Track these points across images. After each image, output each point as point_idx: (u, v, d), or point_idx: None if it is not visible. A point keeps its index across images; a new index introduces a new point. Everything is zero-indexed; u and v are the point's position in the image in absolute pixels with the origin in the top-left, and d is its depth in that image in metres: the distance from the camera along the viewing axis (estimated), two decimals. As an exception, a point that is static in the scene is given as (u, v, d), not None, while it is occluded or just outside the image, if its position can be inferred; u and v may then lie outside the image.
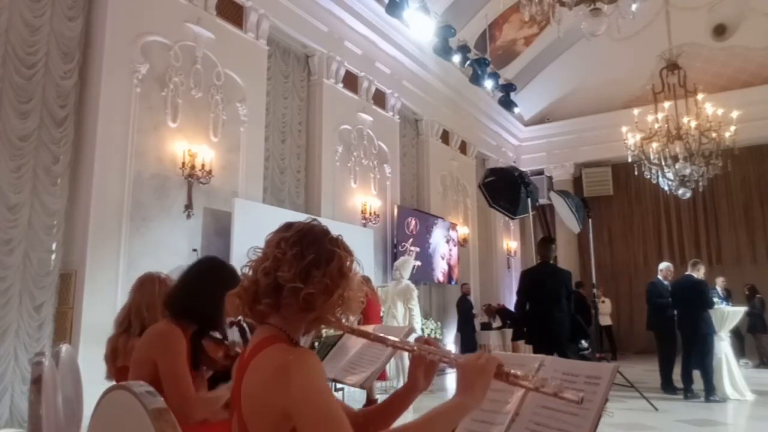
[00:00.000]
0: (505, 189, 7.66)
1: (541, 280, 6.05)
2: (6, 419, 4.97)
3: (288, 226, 1.44)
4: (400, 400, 1.56)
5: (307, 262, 1.35)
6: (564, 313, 5.97)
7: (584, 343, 7.89)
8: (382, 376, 6.60)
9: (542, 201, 12.83)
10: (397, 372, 7.22)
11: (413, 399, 1.57)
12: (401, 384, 7.59)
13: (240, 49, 7.34)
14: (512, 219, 9.70)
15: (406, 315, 7.53)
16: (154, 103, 6.27)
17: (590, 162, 14.82)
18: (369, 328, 2.47)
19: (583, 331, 6.74)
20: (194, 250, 6.33)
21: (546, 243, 6.44)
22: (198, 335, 2.24)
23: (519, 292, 6.38)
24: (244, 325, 2.72)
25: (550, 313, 5.89)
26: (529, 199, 7.47)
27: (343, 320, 1.43)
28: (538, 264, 6.30)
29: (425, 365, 1.52)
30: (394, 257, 9.81)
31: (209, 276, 2.27)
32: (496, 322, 11.75)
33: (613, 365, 1.54)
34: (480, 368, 1.37)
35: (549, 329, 5.87)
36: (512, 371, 1.38)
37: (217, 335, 2.37)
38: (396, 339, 1.55)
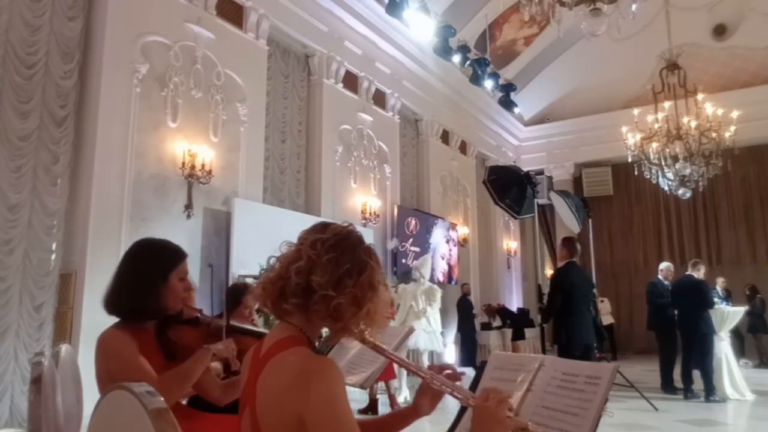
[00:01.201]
0: (511, 187, 7.63)
1: (576, 282, 5.99)
2: (6, 419, 4.97)
3: (324, 227, 1.41)
4: (399, 420, 1.55)
5: (342, 271, 1.33)
6: (591, 314, 6.05)
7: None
8: (391, 374, 6.44)
9: (542, 201, 12.82)
10: (398, 375, 7.19)
11: (412, 422, 1.55)
12: (402, 388, 7.42)
13: (240, 49, 7.34)
14: (515, 218, 9.65)
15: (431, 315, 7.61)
16: (154, 103, 6.27)
17: (590, 162, 14.82)
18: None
19: (601, 332, 6.74)
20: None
21: (574, 242, 6.37)
22: (161, 328, 2.11)
23: (556, 293, 6.06)
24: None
25: (584, 314, 5.89)
26: (535, 200, 7.44)
27: (366, 333, 1.41)
28: (569, 264, 6.14)
29: (433, 393, 1.50)
30: (395, 257, 9.82)
31: (132, 267, 2.11)
32: (496, 322, 11.75)
33: (613, 365, 1.54)
34: (499, 420, 1.31)
35: (580, 331, 5.84)
36: (529, 427, 1.34)
37: (195, 314, 2.21)
38: (413, 363, 1.54)
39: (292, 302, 1.34)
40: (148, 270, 2.08)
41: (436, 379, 1.44)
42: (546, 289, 6.39)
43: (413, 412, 1.52)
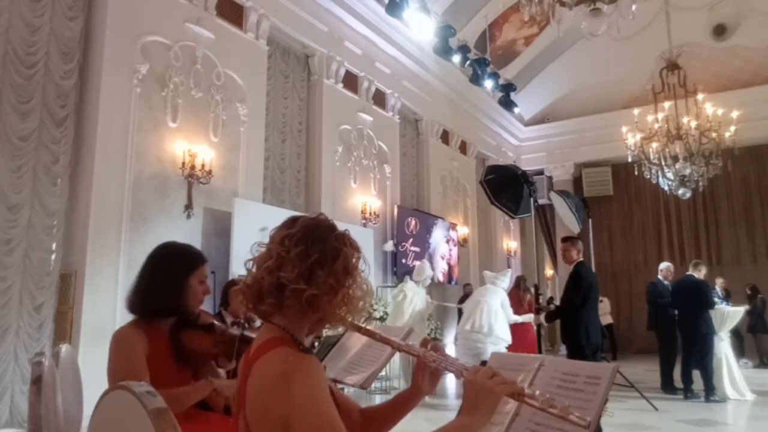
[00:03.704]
0: (507, 187, 7.62)
1: (593, 282, 5.92)
2: (6, 419, 4.97)
3: (293, 222, 1.39)
4: (404, 403, 1.53)
5: (311, 262, 1.31)
6: (597, 313, 6.04)
7: None
8: None
9: (542, 201, 12.84)
10: (405, 373, 7.21)
11: (417, 403, 1.53)
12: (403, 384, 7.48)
13: (240, 49, 7.34)
14: (512, 218, 9.66)
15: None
16: (154, 103, 6.27)
17: (590, 162, 14.82)
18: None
19: (603, 332, 6.73)
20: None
21: (579, 242, 6.36)
22: (175, 330, 2.14)
23: (577, 293, 5.75)
24: (243, 321, 2.66)
25: (597, 314, 5.88)
26: (531, 200, 7.43)
27: (348, 318, 1.38)
28: (584, 264, 5.98)
29: (430, 370, 1.49)
30: (395, 257, 9.82)
31: (156, 268, 2.17)
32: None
33: (613, 365, 1.54)
34: (488, 389, 1.29)
35: (594, 331, 5.83)
36: (525, 391, 1.30)
37: (212, 321, 2.25)
38: (402, 342, 1.51)
39: (268, 302, 1.32)
40: (170, 271, 2.15)
41: (428, 355, 1.43)
42: (544, 290, 6.35)
43: (414, 392, 1.51)
